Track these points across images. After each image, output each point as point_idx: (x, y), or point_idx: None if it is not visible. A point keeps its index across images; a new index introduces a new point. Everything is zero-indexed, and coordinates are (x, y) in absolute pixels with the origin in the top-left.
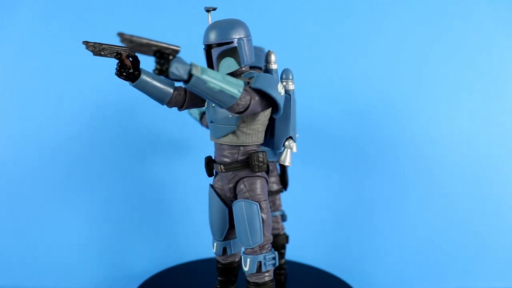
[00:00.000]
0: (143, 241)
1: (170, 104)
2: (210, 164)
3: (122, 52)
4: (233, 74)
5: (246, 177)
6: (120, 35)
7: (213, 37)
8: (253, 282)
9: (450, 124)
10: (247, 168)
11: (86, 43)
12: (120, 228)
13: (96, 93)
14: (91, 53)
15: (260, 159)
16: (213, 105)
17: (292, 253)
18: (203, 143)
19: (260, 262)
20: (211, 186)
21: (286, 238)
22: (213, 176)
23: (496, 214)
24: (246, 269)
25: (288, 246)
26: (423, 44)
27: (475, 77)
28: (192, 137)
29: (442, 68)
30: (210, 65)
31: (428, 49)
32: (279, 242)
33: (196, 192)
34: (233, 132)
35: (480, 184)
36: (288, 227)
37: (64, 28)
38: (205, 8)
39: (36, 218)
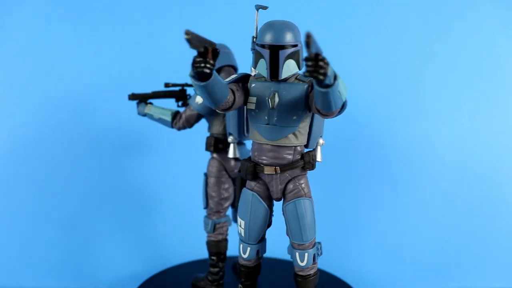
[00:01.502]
0: (142, 241)
1: (223, 105)
2: (255, 167)
3: (209, 47)
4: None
5: (297, 176)
6: (308, 35)
7: (283, 39)
8: (307, 275)
9: (450, 124)
10: (299, 167)
11: (188, 32)
12: (120, 228)
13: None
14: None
15: (314, 157)
16: (273, 106)
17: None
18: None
19: (314, 254)
20: (250, 190)
21: None
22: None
23: (496, 214)
24: (303, 264)
25: (287, 245)
26: (423, 44)
27: (475, 77)
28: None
29: (442, 68)
30: (272, 65)
31: (428, 50)
32: None
33: (187, 192)
34: (293, 133)
35: (480, 184)
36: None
37: (57, 28)
38: (256, 6)
39: (35, 218)
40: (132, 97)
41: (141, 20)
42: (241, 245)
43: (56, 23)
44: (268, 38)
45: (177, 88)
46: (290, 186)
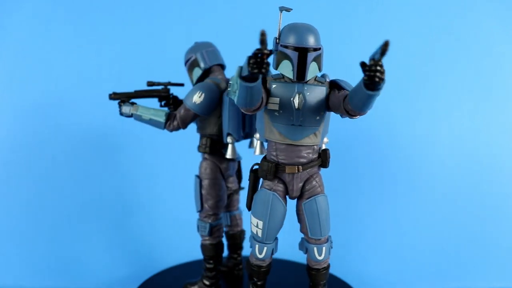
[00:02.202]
0: (142, 241)
1: (256, 106)
2: (277, 167)
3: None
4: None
5: (314, 174)
6: (388, 43)
7: (312, 41)
8: (322, 268)
9: (450, 124)
10: (317, 165)
11: (264, 33)
12: (119, 228)
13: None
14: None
15: (329, 155)
16: (298, 107)
17: (292, 252)
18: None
19: (330, 247)
20: (270, 190)
21: (244, 233)
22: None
23: (496, 214)
24: (321, 257)
25: (287, 246)
26: (423, 44)
27: (475, 77)
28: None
29: (442, 68)
30: (300, 67)
31: (428, 49)
32: (240, 238)
33: (182, 193)
34: (314, 133)
35: (480, 184)
36: (287, 227)
37: (56, 29)
38: (280, 7)
39: (35, 219)
40: (114, 96)
41: (141, 20)
42: (257, 246)
43: (56, 23)
44: (298, 40)
45: (160, 87)
46: (312, 182)
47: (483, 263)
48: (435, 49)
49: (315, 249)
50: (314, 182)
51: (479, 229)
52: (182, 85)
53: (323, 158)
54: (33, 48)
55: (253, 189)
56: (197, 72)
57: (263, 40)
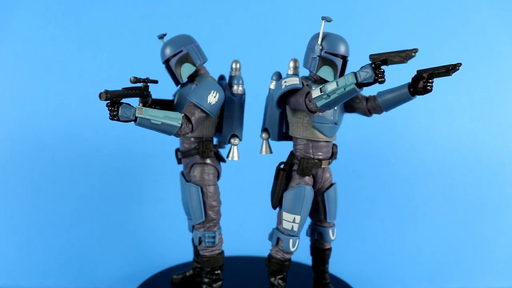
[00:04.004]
0: (143, 241)
1: None
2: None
3: None
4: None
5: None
6: (460, 64)
7: (348, 51)
8: (331, 247)
9: (450, 125)
10: (334, 158)
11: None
12: (120, 228)
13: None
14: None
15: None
16: (336, 108)
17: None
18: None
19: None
20: (306, 184)
21: None
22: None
23: (496, 214)
24: (333, 237)
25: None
26: (422, 45)
27: (475, 77)
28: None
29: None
30: (341, 73)
31: (428, 50)
32: None
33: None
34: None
35: (480, 185)
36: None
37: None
38: (325, 18)
39: (35, 219)
40: (108, 96)
41: (141, 20)
42: (291, 240)
43: (56, 23)
44: (343, 49)
45: (140, 85)
46: (327, 174)
47: (483, 263)
48: (435, 50)
49: (330, 231)
50: (328, 174)
51: (479, 229)
52: (156, 82)
53: (335, 152)
54: (33, 49)
55: (281, 187)
56: (189, 68)
57: (411, 58)
